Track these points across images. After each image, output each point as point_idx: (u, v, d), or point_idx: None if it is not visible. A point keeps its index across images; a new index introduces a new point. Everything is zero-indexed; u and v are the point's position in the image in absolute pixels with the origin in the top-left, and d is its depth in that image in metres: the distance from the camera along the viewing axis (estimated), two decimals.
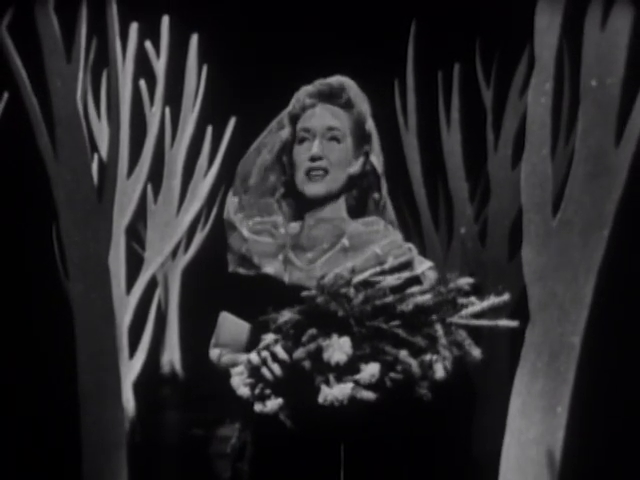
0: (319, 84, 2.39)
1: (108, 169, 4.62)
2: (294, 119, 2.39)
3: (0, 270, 5.26)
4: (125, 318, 6.37)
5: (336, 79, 2.40)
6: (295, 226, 2.40)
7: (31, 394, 5.20)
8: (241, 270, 2.36)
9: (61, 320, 4.57)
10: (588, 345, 3.82)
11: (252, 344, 2.24)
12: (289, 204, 2.43)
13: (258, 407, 2.08)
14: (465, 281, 2.09)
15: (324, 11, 6.50)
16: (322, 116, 2.37)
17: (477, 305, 2.07)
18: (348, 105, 2.38)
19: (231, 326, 2.36)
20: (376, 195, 2.44)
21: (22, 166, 4.83)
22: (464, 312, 2.07)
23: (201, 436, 6.76)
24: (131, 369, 6.68)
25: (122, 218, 6.07)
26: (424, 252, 6.92)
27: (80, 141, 4.39)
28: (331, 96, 2.38)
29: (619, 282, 4.12)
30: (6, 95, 4.69)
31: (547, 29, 3.77)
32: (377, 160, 2.43)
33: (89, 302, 4.51)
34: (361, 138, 2.40)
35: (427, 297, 2.06)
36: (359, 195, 2.42)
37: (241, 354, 2.24)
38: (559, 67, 3.88)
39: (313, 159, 2.33)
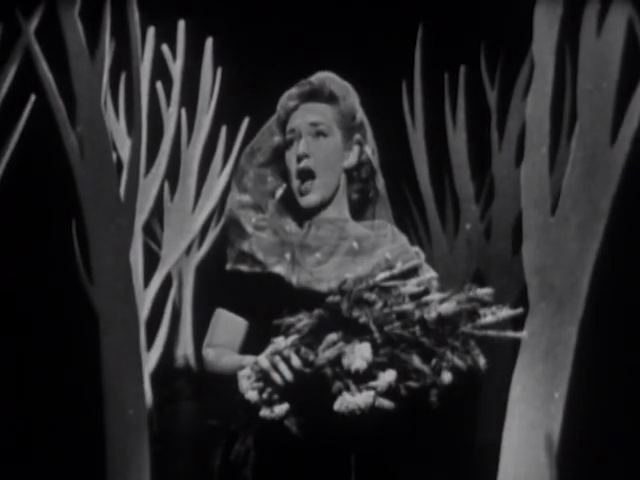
0: (300, 84, 2.32)
1: (130, 168, 4.68)
2: (282, 125, 2.32)
3: (26, 265, 5.40)
4: (142, 312, 6.45)
5: (316, 76, 2.33)
6: (299, 225, 2.32)
7: (57, 385, 5.33)
8: (243, 267, 2.27)
9: (85, 315, 4.64)
10: (585, 334, 3.89)
11: (249, 343, 2.21)
12: (291, 204, 2.33)
13: (265, 412, 2.00)
14: (485, 292, 2.04)
15: (335, 15, 6.60)
16: (305, 114, 2.28)
17: (490, 316, 2.01)
18: (331, 99, 2.29)
19: (227, 325, 2.27)
20: (372, 189, 2.37)
21: (48, 166, 4.89)
22: (477, 322, 2.02)
23: (215, 426, 6.88)
24: (148, 361, 6.76)
25: (140, 215, 6.11)
26: (431, 248, 7.05)
27: (104, 141, 4.46)
28: (313, 94, 2.29)
29: (614, 274, 4.18)
30: (33, 97, 4.77)
31: (545, 35, 3.87)
32: (371, 151, 2.35)
33: (113, 295, 4.57)
34: (350, 129, 2.31)
35: (449, 306, 2.01)
36: (361, 188, 2.35)
37: (244, 356, 2.16)
38: (560, 70, 3.97)
39: (299, 159, 2.25)
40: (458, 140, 6.72)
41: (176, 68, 6.39)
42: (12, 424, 5.23)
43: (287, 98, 2.31)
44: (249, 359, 2.07)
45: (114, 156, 4.76)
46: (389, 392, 1.96)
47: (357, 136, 2.32)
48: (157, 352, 7.11)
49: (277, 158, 2.34)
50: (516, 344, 4.01)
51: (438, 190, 6.94)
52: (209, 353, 2.26)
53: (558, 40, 3.88)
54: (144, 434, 4.72)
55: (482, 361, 2.00)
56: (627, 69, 3.84)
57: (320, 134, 2.27)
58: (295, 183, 2.27)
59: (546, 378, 3.93)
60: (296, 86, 2.32)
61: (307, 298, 2.11)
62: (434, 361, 1.98)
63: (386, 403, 1.96)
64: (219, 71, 6.75)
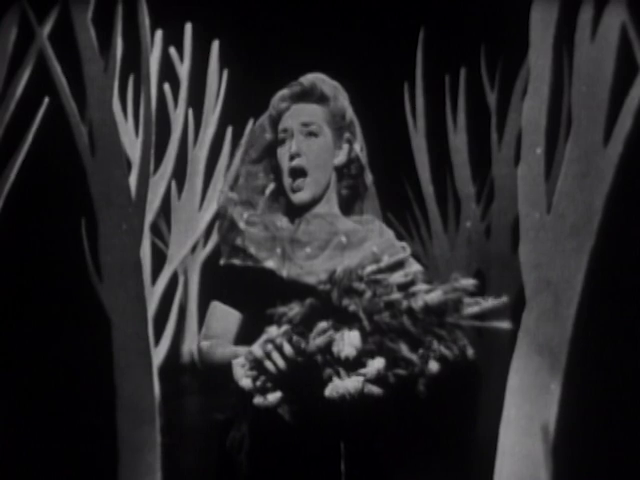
0: (290, 85, 2.37)
1: (141, 168, 4.77)
2: (274, 123, 2.37)
3: (39, 262, 5.47)
4: (150, 308, 6.49)
5: (306, 77, 2.38)
6: (290, 220, 2.37)
7: (69, 378, 5.39)
8: (235, 261, 2.31)
9: (98, 311, 4.71)
10: (579, 328, 3.95)
11: (244, 334, 2.25)
12: (281, 200, 2.39)
13: (258, 400, 2.05)
14: (470, 282, 2.07)
15: (339, 19, 6.68)
16: (296, 114, 2.33)
17: (476, 306, 2.05)
18: (322, 99, 2.35)
19: (222, 317, 2.31)
20: (361, 185, 2.42)
21: (61, 167, 4.95)
22: (463, 312, 2.05)
23: (221, 420, 6.94)
24: (156, 356, 6.81)
25: (148, 213, 6.15)
26: (432, 245, 7.14)
27: (115, 142, 4.55)
28: (303, 95, 2.34)
29: (608, 270, 4.23)
30: (47, 100, 4.83)
31: (541, 38, 3.94)
32: (359, 149, 2.40)
33: (123, 293, 4.64)
34: (341, 128, 2.36)
35: (435, 295, 2.04)
36: (351, 184, 2.41)
37: (239, 346, 2.19)
38: (557, 73, 4.01)
39: (292, 157, 2.31)
40: (459, 141, 6.79)
41: (183, 70, 6.48)
42: (25, 416, 5.32)
43: (279, 99, 2.36)
44: (244, 349, 2.12)
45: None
46: (378, 379, 1.99)
47: (347, 135, 2.37)
48: (164, 348, 7.20)
49: (268, 155, 2.39)
50: (513, 337, 4.07)
51: (439, 189, 7.00)
52: (204, 345, 2.31)
53: (554, 44, 3.94)
54: (154, 426, 4.81)
55: (470, 351, 2.04)
56: (620, 72, 3.90)
57: (311, 134, 2.33)
58: (287, 181, 2.33)
59: (542, 370, 3.99)
60: (287, 87, 2.37)
61: (297, 291, 2.15)
62: (421, 350, 2.02)
63: (375, 390, 2.00)
64: (225, 73, 6.86)
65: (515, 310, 4.11)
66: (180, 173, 6.71)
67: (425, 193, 6.90)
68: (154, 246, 7.34)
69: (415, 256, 2.37)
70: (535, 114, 4.00)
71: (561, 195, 3.98)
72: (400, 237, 2.45)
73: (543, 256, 3.99)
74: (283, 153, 2.34)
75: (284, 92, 2.37)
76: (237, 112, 6.95)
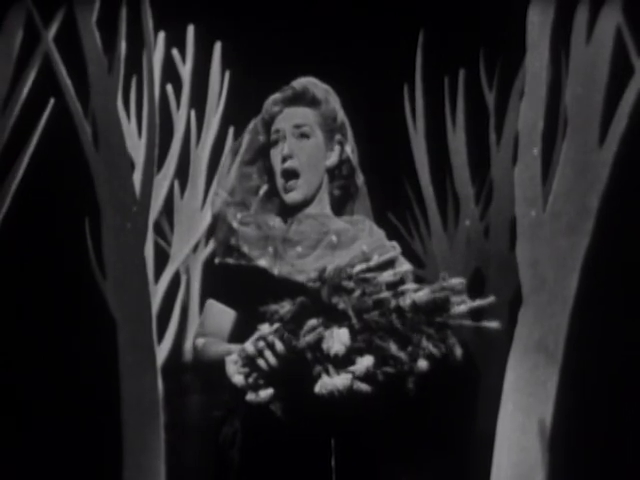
0: (283, 90, 2.41)
1: (146, 168, 4.81)
2: (267, 125, 2.41)
3: (44, 261, 5.52)
4: (153, 307, 6.51)
5: (299, 82, 2.42)
6: (283, 220, 2.40)
7: (74, 376, 5.45)
8: (229, 260, 2.34)
9: (100, 310, 4.75)
10: (575, 325, 3.99)
11: (238, 332, 2.27)
12: (274, 201, 2.42)
13: (250, 396, 2.06)
14: (458, 281, 2.09)
15: (341, 21, 6.73)
16: (289, 117, 2.37)
17: (463, 305, 2.07)
18: (314, 103, 2.39)
19: (217, 315, 2.33)
20: (353, 185, 2.46)
21: (66, 168, 5.01)
22: (452, 312, 2.07)
23: (218, 417, 6.96)
24: (159, 354, 6.84)
25: (151, 212, 6.18)
26: (431, 244, 7.19)
27: (120, 143, 4.60)
28: (295, 98, 2.38)
29: (603, 268, 4.28)
30: (52, 101, 4.83)
31: (538, 40, 3.99)
32: (350, 150, 2.44)
33: (127, 291, 4.67)
34: (332, 130, 2.40)
35: (423, 294, 2.06)
36: (342, 184, 2.45)
37: (233, 344, 2.21)
38: (555, 74, 4.08)
39: (284, 159, 2.35)
40: (458, 141, 6.84)
41: (186, 71, 6.51)
42: (29, 414, 5.36)
43: (272, 103, 2.40)
44: (237, 346, 2.14)
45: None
46: (367, 377, 2.02)
47: (338, 137, 2.42)
48: (167, 346, 7.24)
49: (262, 156, 2.43)
50: (510, 334, 4.11)
51: (439, 189, 7.03)
52: (199, 342, 2.34)
53: (550, 46, 3.99)
54: (158, 423, 4.86)
55: (458, 351, 2.06)
56: (615, 74, 3.95)
57: (303, 136, 2.37)
58: (280, 181, 2.38)
59: (539, 366, 4.03)
60: (280, 91, 2.41)
61: (289, 289, 2.18)
62: (410, 348, 2.04)
63: (364, 387, 2.02)
64: (227, 74, 6.86)
65: (512, 308, 4.15)
66: (183, 173, 6.73)
67: (425, 193, 6.93)
68: (157, 245, 7.38)
69: (413, 255, 2.42)
70: (532, 115, 4.04)
71: (557, 194, 4.02)
72: (400, 236, 2.51)
73: (539, 255, 4.03)
74: (276, 154, 2.39)
75: (276, 96, 2.41)
76: (239, 113, 6.89)
